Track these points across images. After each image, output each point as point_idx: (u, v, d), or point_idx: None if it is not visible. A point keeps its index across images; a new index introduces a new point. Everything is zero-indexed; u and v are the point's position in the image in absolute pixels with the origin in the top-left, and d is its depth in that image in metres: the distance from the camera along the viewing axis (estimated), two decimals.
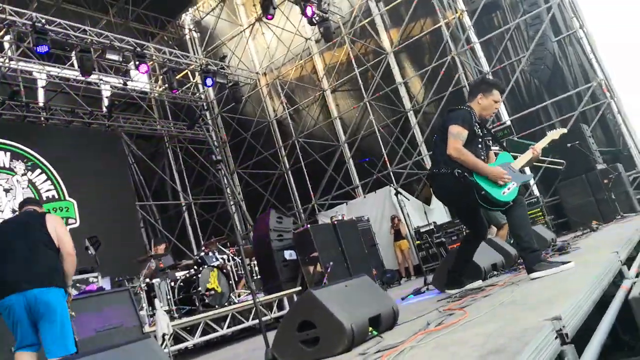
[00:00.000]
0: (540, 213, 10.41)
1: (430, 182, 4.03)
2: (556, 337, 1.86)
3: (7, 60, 12.01)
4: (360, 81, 14.42)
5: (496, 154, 3.95)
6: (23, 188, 11.72)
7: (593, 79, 11.24)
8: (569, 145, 9.13)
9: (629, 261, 3.70)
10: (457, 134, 3.60)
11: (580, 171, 9.94)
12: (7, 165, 11.81)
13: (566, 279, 3.11)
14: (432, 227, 11.00)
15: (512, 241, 5.44)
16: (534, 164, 9.76)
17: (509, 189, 3.61)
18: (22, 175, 12.00)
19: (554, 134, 4.27)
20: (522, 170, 3.90)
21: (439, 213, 11.91)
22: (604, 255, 3.59)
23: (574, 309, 2.09)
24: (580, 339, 2.13)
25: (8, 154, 11.93)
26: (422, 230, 11.05)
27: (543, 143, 4.13)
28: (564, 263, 3.49)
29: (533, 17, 11.71)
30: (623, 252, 3.66)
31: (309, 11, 12.90)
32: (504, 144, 4.37)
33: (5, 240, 3.79)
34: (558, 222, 11.01)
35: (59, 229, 3.86)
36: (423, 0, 13.19)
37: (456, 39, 12.91)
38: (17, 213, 4.33)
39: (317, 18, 13.24)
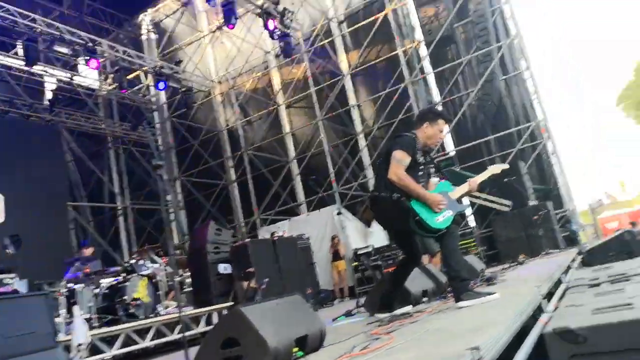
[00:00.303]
0: (474, 243, 10.74)
1: (371, 205, 4.04)
2: None
3: None
4: (315, 99, 14.48)
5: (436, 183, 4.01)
6: None
7: (533, 119, 11.81)
8: (505, 180, 9.52)
9: (549, 296, 3.85)
10: (399, 160, 3.65)
11: (513, 206, 10.39)
12: None
13: (491, 309, 3.19)
14: (370, 249, 11.06)
15: (444, 269, 5.51)
16: (484, 202, 10.11)
17: (443, 216, 3.66)
18: None
19: (494, 169, 4.34)
20: (459, 201, 3.97)
21: (379, 236, 11.99)
22: (526, 288, 3.73)
23: (493, 340, 2.11)
24: None
25: None
26: (360, 252, 11.08)
27: (482, 177, 4.21)
28: (490, 294, 3.59)
29: (484, 54, 12.20)
30: (544, 287, 3.83)
31: (270, 24, 12.90)
32: (445, 173, 4.44)
33: None
34: (489, 253, 11.37)
35: None
36: (383, 27, 13.50)
37: (411, 67, 13.25)
38: None
39: (278, 32, 13.25)
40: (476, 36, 12.45)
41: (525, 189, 10.54)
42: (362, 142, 13.86)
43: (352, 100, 14.18)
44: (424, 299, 4.13)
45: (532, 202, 10.75)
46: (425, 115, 3.99)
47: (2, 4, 10.69)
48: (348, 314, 5.09)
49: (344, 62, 14.40)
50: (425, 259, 6.32)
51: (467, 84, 12.71)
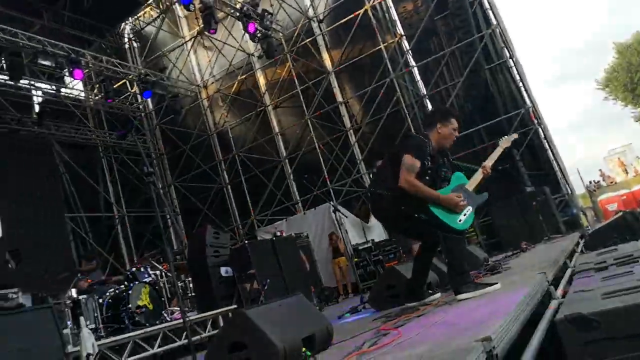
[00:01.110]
0: (474, 233, 10.78)
1: (372, 202, 4.02)
2: (487, 358, 1.91)
3: None
4: (302, 98, 14.53)
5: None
6: None
7: (521, 106, 11.92)
8: (499, 167, 9.59)
9: (556, 281, 3.87)
10: (410, 166, 3.56)
11: (510, 193, 10.40)
12: None
13: (497, 299, 3.20)
14: (370, 244, 11.10)
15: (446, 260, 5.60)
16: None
17: (465, 215, 3.60)
18: None
19: (504, 143, 4.23)
20: (477, 191, 3.87)
21: (378, 231, 12.10)
22: (532, 275, 3.70)
23: (503, 330, 2.14)
24: (510, 359, 2.20)
25: None
26: (360, 247, 11.13)
27: (494, 157, 4.08)
28: (489, 284, 3.60)
29: (467, 45, 12.32)
30: (550, 273, 3.78)
31: (251, 27, 12.92)
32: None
33: None
34: (490, 242, 11.46)
35: None
36: (363, 23, 13.57)
37: (395, 62, 13.33)
38: None
39: (259, 34, 13.28)
40: (457, 28, 12.56)
41: (520, 175, 10.61)
42: (352, 138, 13.95)
43: (339, 97, 14.25)
44: (429, 291, 4.21)
45: (529, 189, 10.76)
46: (436, 116, 3.91)
47: None
48: (353, 310, 5.16)
49: (328, 60, 14.47)
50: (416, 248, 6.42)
51: (453, 75, 12.82)
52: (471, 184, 3.84)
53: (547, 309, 2.89)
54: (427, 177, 3.68)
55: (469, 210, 3.65)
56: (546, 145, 11.91)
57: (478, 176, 3.89)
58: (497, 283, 3.63)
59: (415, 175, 3.57)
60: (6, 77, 11.93)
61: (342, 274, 11.09)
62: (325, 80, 14.23)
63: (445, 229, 3.58)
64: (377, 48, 13.42)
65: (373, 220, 12.07)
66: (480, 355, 1.88)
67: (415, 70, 13.38)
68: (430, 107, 12.97)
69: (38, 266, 9.77)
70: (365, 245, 11.11)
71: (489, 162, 4.00)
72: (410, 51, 13.26)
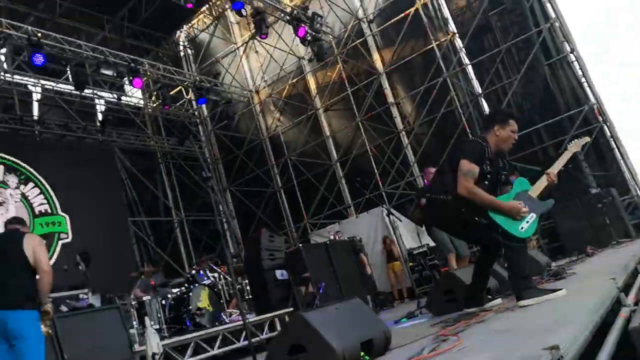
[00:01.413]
0: (535, 236, 10.34)
1: (428, 207, 3.97)
2: None
3: (2, 73, 11.99)
4: (352, 101, 14.53)
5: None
6: (16, 202, 11.59)
7: (585, 102, 11.37)
8: (562, 168, 9.15)
9: (626, 288, 3.67)
10: (467, 172, 3.49)
11: (574, 195, 9.89)
12: (0, 179, 11.71)
13: (562, 306, 3.10)
14: (425, 248, 10.87)
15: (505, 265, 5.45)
16: None
17: (527, 222, 3.50)
18: (15, 188, 11.87)
19: (574, 147, 4.02)
20: (541, 197, 3.74)
21: (409, 238, 11.80)
22: (601, 281, 3.54)
23: (572, 338, 2.06)
24: None
25: (1, 167, 11.82)
26: (415, 252, 10.94)
27: (561, 162, 3.92)
28: (554, 290, 3.46)
29: (524, 40, 11.92)
30: (620, 279, 3.61)
31: (301, 31, 13.07)
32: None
33: None
34: (552, 246, 10.96)
35: (36, 248, 3.91)
36: (414, 22, 13.40)
37: (448, 60, 13.09)
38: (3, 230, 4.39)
39: (309, 38, 13.40)
40: (512, 23, 12.16)
41: (585, 176, 10.04)
42: (404, 140, 13.80)
43: (390, 98, 14.14)
44: (488, 297, 4.11)
45: (594, 190, 10.17)
46: (493, 118, 3.81)
47: (50, 33, 11.29)
48: (410, 315, 5.11)
49: (378, 60, 14.38)
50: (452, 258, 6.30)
51: (509, 72, 12.42)
52: (535, 190, 3.72)
53: (617, 316, 2.76)
54: (485, 182, 3.60)
55: (532, 217, 3.54)
56: (613, 144, 11.24)
57: (542, 183, 3.76)
58: (562, 289, 3.49)
59: (474, 181, 3.50)
60: (72, 88, 12.60)
61: (396, 278, 10.98)
62: (376, 81, 14.17)
63: (506, 237, 3.49)
64: (429, 47, 13.22)
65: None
66: None
67: (470, 69, 13.07)
68: (485, 106, 12.63)
69: (105, 269, 10.27)
70: (421, 250, 10.88)
71: (554, 169, 3.86)
72: (463, 49, 12.98)
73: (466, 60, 13.06)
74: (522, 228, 3.50)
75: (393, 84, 14.26)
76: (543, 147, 11.51)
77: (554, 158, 4.15)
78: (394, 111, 14.05)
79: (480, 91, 12.69)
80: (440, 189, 3.71)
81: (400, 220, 7.60)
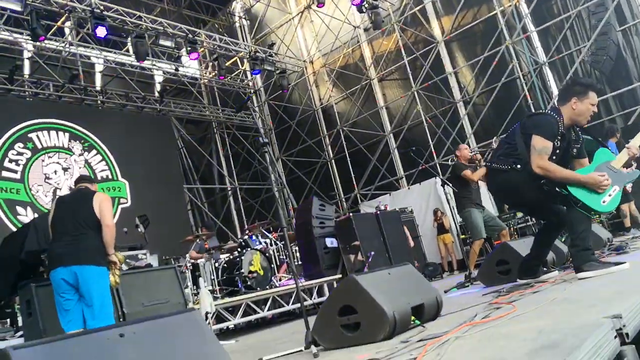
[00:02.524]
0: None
1: (490, 177, 3.83)
2: (615, 337, 1.76)
3: (67, 45, 12.51)
4: (408, 70, 14.19)
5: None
6: (80, 168, 12.23)
7: None
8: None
9: None
10: (541, 149, 3.37)
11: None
12: (66, 145, 12.37)
13: (624, 279, 2.96)
14: None
15: (563, 239, 5.23)
16: None
17: (610, 195, 3.33)
18: (80, 155, 12.54)
19: None
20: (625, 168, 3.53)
21: (486, 207, 11.56)
22: None
23: (635, 309, 1.97)
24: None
25: (67, 134, 12.48)
26: None
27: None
28: (617, 264, 3.31)
29: (596, 4, 11.12)
30: None
31: None
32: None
33: (59, 217, 4.19)
34: (614, 221, 10.45)
35: (102, 204, 4.15)
36: None
37: (511, 27, 12.46)
38: (72, 189, 4.62)
39: (366, 6, 13.09)
40: None
41: None
42: (462, 111, 13.36)
43: (448, 67, 13.67)
44: (543, 269, 3.96)
45: None
46: (571, 89, 3.58)
47: (112, 5, 11.62)
48: (460, 285, 5.03)
49: (437, 28, 13.88)
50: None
51: (578, 39, 11.69)
52: (618, 162, 3.50)
53: None
54: (554, 157, 3.44)
55: (614, 190, 3.34)
56: None
57: (623, 156, 3.53)
58: (625, 262, 3.31)
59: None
60: (132, 59, 12.98)
61: (447, 250, 10.84)
62: (434, 50, 13.71)
63: (583, 208, 3.31)
64: (492, 13, 12.61)
65: (482, 196, 11.56)
66: (609, 333, 1.73)
67: (535, 36, 12.38)
68: (550, 75, 11.97)
69: (161, 232, 10.72)
70: None
71: (635, 142, 3.59)
72: (529, 15, 12.30)
73: (531, 27, 12.37)
74: (603, 202, 3.32)
75: (452, 52, 13.77)
76: (611, 119, 10.83)
77: (623, 130, 3.88)
78: (452, 81, 13.59)
79: (545, 59, 12.03)
80: (507, 160, 3.56)
81: (455, 191, 7.43)
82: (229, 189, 17.08)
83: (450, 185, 6.27)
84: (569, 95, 3.53)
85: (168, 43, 12.62)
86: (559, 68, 11.81)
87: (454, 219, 7.78)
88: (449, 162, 13.18)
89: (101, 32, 10.68)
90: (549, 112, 3.59)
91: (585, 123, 3.58)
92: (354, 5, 13.12)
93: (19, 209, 11.05)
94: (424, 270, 9.25)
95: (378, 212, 8.87)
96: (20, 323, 5.88)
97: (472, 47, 13.37)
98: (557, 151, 3.46)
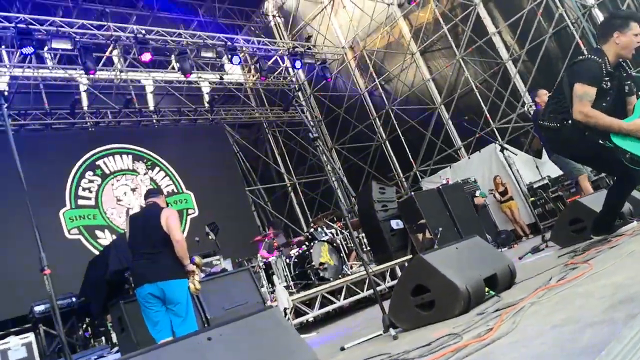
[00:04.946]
0: None
1: (544, 135, 3.71)
2: None
3: (118, 73, 13.16)
4: (450, 38, 13.80)
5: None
6: (146, 186, 12.86)
7: None
8: None
9: None
10: (582, 95, 3.23)
11: None
12: (130, 167, 13.04)
13: None
14: (546, 181, 10.27)
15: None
16: None
17: None
18: (144, 174, 13.19)
19: None
20: None
21: (553, 165, 11.04)
22: None
23: None
24: None
25: (130, 156, 13.15)
26: (535, 186, 10.36)
27: None
28: None
29: None
30: None
31: None
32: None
33: (134, 237, 4.47)
34: None
35: (169, 221, 4.34)
36: None
37: None
38: (143, 205, 4.89)
39: None
40: None
41: None
42: (512, 70, 12.85)
43: (490, 28, 13.16)
44: (619, 221, 3.79)
45: None
46: (611, 24, 3.44)
47: (152, 27, 12.09)
48: (535, 250, 4.90)
49: None
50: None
51: None
52: None
53: None
54: (607, 99, 3.28)
55: None
56: None
57: None
58: None
59: (593, 104, 3.21)
60: (178, 75, 13.46)
61: (514, 217, 10.50)
62: (474, 12, 13.24)
63: (632, 161, 3.16)
64: None
65: (546, 155, 11.12)
66: None
67: None
68: (600, 17, 11.27)
69: (231, 236, 11.10)
70: (542, 183, 10.29)
71: None
72: None
73: None
74: None
75: (491, 11, 13.24)
76: None
77: None
78: (497, 41, 13.08)
79: (593, 1, 11.34)
80: (556, 116, 3.44)
81: (516, 154, 7.22)
82: (288, 185, 17.38)
83: (508, 149, 6.09)
84: (610, 30, 3.39)
85: (209, 54, 12.95)
86: (609, 7, 11.08)
87: (518, 183, 7.53)
88: (507, 125, 12.77)
89: (146, 57, 11.30)
90: (591, 55, 3.42)
91: (631, 56, 3.41)
92: None
93: (98, 232, 11.79)
94: (496, 239, 9.04)
95: (440, 186, 8.75)
96: (114, 339, 6.32)
97: (512, 2, 12.79)
98: (611, 91, 3.31)
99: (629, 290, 1.81)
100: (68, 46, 10.34)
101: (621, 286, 1.91)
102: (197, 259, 4.51)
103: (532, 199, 10.11)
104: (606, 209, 3.67)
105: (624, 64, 3.45)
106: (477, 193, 10.52)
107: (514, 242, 9.55)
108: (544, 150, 11.33)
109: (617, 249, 3.04)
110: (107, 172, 12.63)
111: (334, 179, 16.48)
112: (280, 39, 17.49)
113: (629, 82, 3.43)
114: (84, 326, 7.91)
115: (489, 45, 13.12)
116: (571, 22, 11.54)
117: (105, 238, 11.69)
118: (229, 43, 13.01)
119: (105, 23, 11.24)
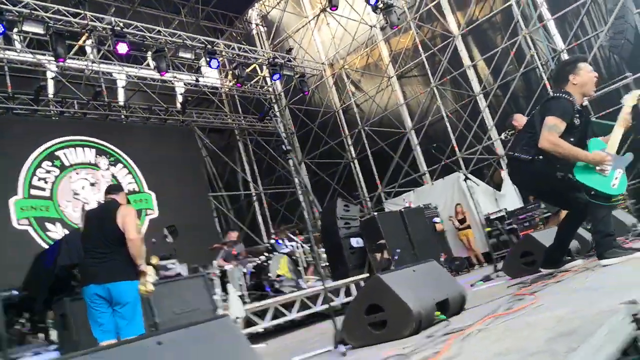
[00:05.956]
0: (621, 196, 9.68)
1: (510, 166, 3.86)
2: (632, 321, 1.79)
3: (89, 63, 12.87)
4: (427, 66, 14.14)
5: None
6: (107, 182, 12.52)
7: None
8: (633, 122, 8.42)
9: None
10: (552, 126, 3.39)
11: None
12: (92, 161, 12.70)
13: None
14: (503, 213, 10.64)
15: (588, 226, 5.18)
16: None
17: (616, 178, 3.38)
18: (106, 169, 12.87)
19: (629, 100, 3.66)
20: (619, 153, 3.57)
21: (511, 199, 11.47)
22: None
23: None
24: None
25: (93, 150, 12.81)
26: (492, 217, 10.70)
27: (630, 103, 3.62)
28: (638, 250, 3.32)
29: None
30: None
31: None
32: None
33: (88, 233, 4.36)
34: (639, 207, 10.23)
35: (125, 219, 4.23)
36: None
37: (527, 17, 12.31)
38: (101, 201, 4.76)
39: (381, 5, 13.11)
40: None
41: None
42: (482, 103, 13.25)
43: (466, 60, 13.57)
44: (567, 258, 3.95)
45: None
46: (564, 71, 3.66)
47: (131, 22, 11.91)
48: (486, 278, 5.04)
49: (453, 22, 13.79)
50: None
51: (595, 24, 11.47)
52: (612, 146, 3.52)
53: None
54: (575, 134, 3.48)
55: (619, 172, 3.39)
56: None
57: (617, 133, 3.55)
58: None
59: (561, 136, 3.39)
60: (153, 73, 13.26)
61: (469, 245, 10.78)
62: (452, 44, 13.63)
63: (597, 197, 3.35)
64: (507, 4, 12.49)
65: (506, 188, 11.48)
66: (625, 318, 1.76)
67: (551, 24, 12.20)
68: None
69: (189, 241, 10.91)
70: (498, 214, 10.66)
71: (625, 110, 3.57)
72: (544, 2, 12.12)
73: (547, 15, 12.20)
74: (613, 185, 3.37)
75: (469, 46, 13.67)
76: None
77: None
78: (470, 74, 13.49)
79: (563, 46, 11.85)
80: (529, 150, 3.58)
81: (478, 185, 7.42)
82: (253, 194, 17.28)
83: (471, 179, 6.25)
84: (565, 75, 3.61)
85: (187, 55, 12.83)
86: (578, 54, 11.61)
87: (477, 213, 7.73)
88: (473, 156, 13.10)
89: (122, 48, 10.81)
90: (562, 95, 3.59)
91: (593, 92, 3.65)
92: (369, 5, 13.14)
93: (49, 225, 11.37)
94: (450, 265, 9.22)
95: (402, 209, 8.89)
96: (52, 337, 6.08)
97: (489, 39, 13.25)
98: (579, 128, 3.49)
99: (570, 324, 1.88)
100: (40, 30, 10.02)
101: (563, 319, 1.99)
102: (154, 260, 4.41)
103: (488, 229, 10.39)
104: (557, 244, 3.82)
105: (587, 108, 3.65)
106: (436, 219, 10.75)
107: (466, 268, 9.79)
108: (503, 184, 11.70)
109: (562, 284, 3.17)
110: (67, 164, 12.25)
111: (300, 192, 16.50)
112: (261, 47, 17.53)
113: (589, 124, 3.63)
114: (23, 321, 7.58)
115: (463, 77, 13.51)
116: (541, 64, 12.00)
117: (56, 231, 11.27)
118: (209, 46, 12.92)
119: (81, 11, 10.95)
